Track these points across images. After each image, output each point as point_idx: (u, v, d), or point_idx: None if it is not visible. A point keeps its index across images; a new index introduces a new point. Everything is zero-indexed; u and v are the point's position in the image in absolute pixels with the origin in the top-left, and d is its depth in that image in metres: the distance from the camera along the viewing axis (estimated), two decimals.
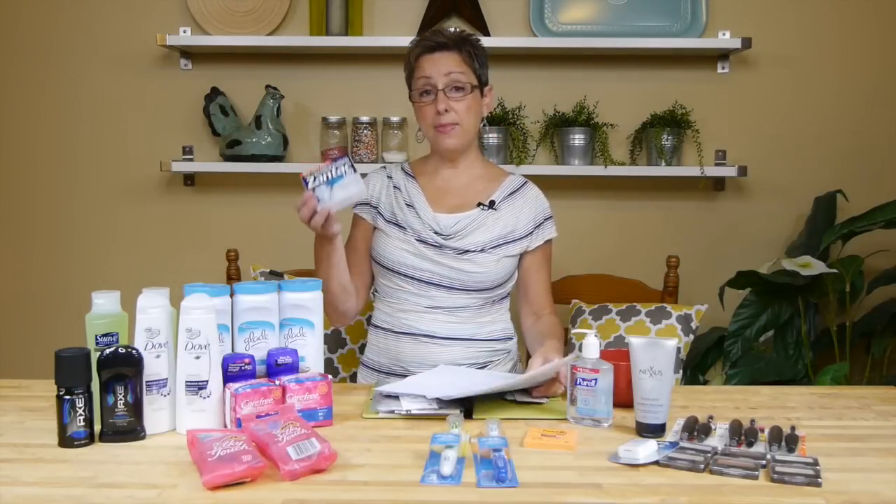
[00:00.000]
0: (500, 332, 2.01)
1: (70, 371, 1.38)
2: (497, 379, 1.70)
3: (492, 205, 1.98)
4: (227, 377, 1.47)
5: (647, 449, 1.31)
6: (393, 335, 1.97)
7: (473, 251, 1.94)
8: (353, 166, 1.72)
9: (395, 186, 2.03)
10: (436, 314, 1.95)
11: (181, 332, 1.44)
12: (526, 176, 2.09)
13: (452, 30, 2.01)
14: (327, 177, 1.72)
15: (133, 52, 2.91)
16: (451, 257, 1.93)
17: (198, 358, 1.43)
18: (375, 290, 2.06)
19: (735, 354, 2.55)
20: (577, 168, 2.82)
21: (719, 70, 2.91)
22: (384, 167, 2.09)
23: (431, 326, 1.94)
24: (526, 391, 1.65)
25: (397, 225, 1.98)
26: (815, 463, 1.30)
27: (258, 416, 1.39)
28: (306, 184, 1.73)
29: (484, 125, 2.07)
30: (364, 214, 2.03)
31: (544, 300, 2.03)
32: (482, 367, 1.97)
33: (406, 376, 1.84)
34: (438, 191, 2.01)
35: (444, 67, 1.92)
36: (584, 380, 1.49)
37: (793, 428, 1.43)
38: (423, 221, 1.97)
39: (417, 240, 1.95)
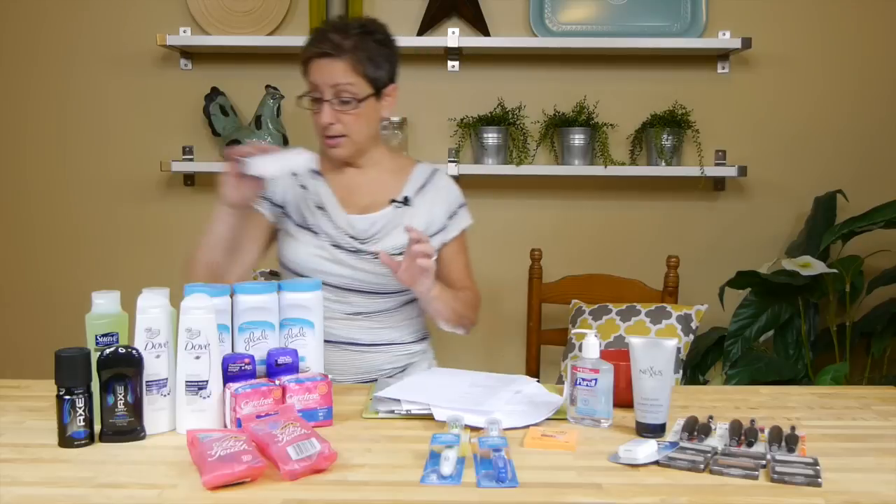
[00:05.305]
0: (417, 332, 1.97)
1: (70, 371, 1.38)
2: (494, 392, 1.62)
3: (406, 201, 1.90)
4: (227, 377, 1.47)
5: (647, 449, 1.31)
6: None
7: (392, 254, 1.81)
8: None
9: (301, 185, 1.91)
10: (358, 320, 1.88)
11: (181, 332, 1.44)
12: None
13: (356, 22, 1.84)
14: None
15: (133, 52, 2.91)
16: (370, 262, 1.85)
17: (198, 358, 1.43)
18: None
19: (735, 354, 2.55)
20: (577, 168, 2.82)
21: (719, 70, 2.91)
22: None
23: (354, 333, 1.88)
24: (528, 415, 1.55)
25: (309, 230, 1.87)
26: (815, 463, 1.30)
27: (258, 416, 1.39)
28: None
29: (386, 126, 1.95)
30: (263, 209, 1.89)
31: (465, 284, 1.96)
32: (402, 370, 1.92)
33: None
34: (347, 190, 1.90)
35: (329, 78, 1.79)
36: (584, 380, 1.49)
37: (793, 428, 1.43)
38: (337, 226, 1.86)
39: (333, 245, 1.85)
